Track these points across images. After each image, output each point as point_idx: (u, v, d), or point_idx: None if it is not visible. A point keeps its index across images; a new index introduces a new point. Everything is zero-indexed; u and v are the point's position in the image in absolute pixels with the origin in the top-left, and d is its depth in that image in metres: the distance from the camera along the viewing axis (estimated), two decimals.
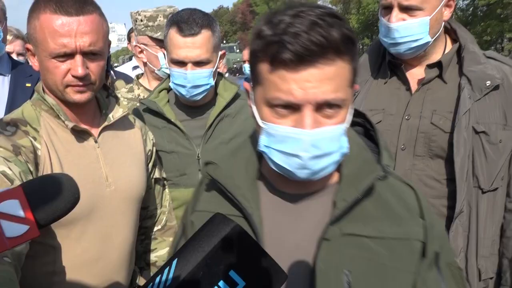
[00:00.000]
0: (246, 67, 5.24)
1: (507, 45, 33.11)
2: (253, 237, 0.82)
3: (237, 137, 1.76)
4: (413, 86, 1.69)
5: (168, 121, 1.86)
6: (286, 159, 0.84)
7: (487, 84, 1.57)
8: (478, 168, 1.59)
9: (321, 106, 0.80)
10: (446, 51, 1.68)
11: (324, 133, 0.82)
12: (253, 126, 0.95)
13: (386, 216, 0.89)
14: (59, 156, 1.31)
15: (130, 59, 4.92)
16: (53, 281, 1.32)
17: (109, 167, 1.40)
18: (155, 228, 1.74)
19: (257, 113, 0.88)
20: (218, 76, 1.94)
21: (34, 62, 1.34)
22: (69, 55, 1.26)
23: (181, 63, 1.74)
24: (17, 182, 1.11)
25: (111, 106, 1.49)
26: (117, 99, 1.51)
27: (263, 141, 0.87)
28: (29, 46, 1.33)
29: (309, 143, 0.81)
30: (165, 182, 1.76)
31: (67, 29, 1.23)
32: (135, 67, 3.72)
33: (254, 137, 0.99)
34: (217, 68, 1.84)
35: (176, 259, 0.59)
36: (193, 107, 1.89)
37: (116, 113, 1.48)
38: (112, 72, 3.12)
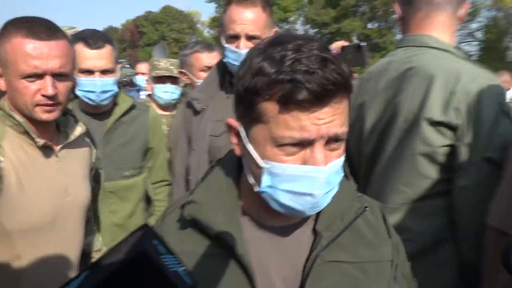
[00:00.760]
0: (138, 79, 5.38)
1: None
2: (244, 276, 0.83)
3: (132, 142, 2.17)
4: None
5: None
6: (296, 199, 0.79)
7: None
8: None
9: (329, 141, 0.78)
10: None
11: (334, 167, 0.80)
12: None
13: (360, 242, 0.91)
14: (23, 169, 1.37)
15: None
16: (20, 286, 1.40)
17: (68, 180, 1.51)
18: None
19: (256, 152, 0.81)
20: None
21: (1, 83, 1.39)
22: (39, 76, 1.33)
23: (89, 72, 2.01)
24: None
25: (70, 125, 1.58)
26: (75, 117, 1.61)
27: (265, 181, 0.81)
28: None
29: (324, 180, 0.78)
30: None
31: (39, 52, 1.32)
32: None
33: (227, 168, 0.94)
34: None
35: (87, 272, 0.52)
36: (93, 114, 2.14)
37: (76, 131, 1.58)
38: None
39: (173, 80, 2.94)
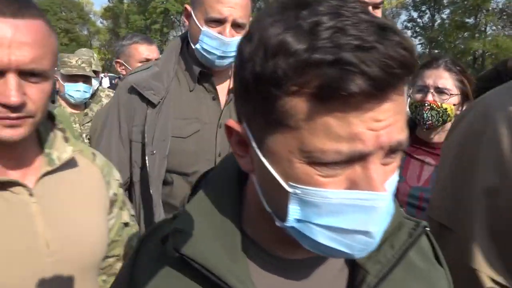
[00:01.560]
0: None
1: None
2: None
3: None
4: (222, 96, 1.72)
5: None
6: (342, 239, 0.54)
7: None
8: None
9: (387, 152, 0.53)
10: None
11: (391, 189, 0.55)
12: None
13: (412, 275, 0.68)
14: None
15: None
16: None
17: (51, 230, 0.98)
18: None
19: (275, 171, 0.55)
20: None
21: None
22: None
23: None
24: None
25: (56, 144, 1.05)
26: (64, 132, 1.08)
27: (293, 213, 0.55)
28: None
29: (384, 209, 0.53)
30: (133, 219, 1.31)
31: None
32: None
33: (223, 182, 0.69)
34: None
35: None
36: None
37: (63, 153, 1.04)
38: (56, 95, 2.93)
39: (85, 79, 2.85)
